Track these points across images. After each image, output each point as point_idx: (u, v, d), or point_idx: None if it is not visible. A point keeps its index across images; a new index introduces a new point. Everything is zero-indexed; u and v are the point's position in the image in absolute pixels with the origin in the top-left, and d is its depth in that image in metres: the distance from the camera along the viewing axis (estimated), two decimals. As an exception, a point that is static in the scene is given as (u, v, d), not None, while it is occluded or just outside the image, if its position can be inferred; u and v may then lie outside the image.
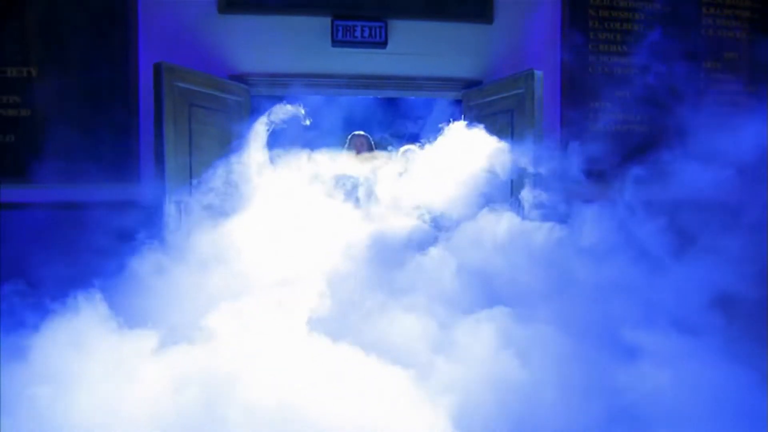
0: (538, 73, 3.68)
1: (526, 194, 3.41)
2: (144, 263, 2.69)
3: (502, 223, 3.06)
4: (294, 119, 3.60)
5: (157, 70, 3.37)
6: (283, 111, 3.73)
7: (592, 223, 3.00)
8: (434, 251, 3.00)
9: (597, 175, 4.40)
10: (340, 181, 4.02)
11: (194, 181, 3.57)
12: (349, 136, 4.44)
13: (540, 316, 2.55)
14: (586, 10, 4.41)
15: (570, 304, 2.58)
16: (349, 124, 5.35)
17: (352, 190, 3.99)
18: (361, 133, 4.46)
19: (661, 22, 4.47)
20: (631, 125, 4.50)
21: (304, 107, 3.59)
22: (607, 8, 4.43)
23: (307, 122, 3.71)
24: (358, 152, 4.27)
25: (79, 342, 2.25)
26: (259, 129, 3.68)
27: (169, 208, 3.24)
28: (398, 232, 3.18)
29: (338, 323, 2.51)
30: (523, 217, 3.30)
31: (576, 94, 4.41)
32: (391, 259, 2.99)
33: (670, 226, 3.06)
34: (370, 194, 3.92)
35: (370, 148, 4.38)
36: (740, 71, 4.63)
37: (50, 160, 3.90)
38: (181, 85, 3.53)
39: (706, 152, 4.33)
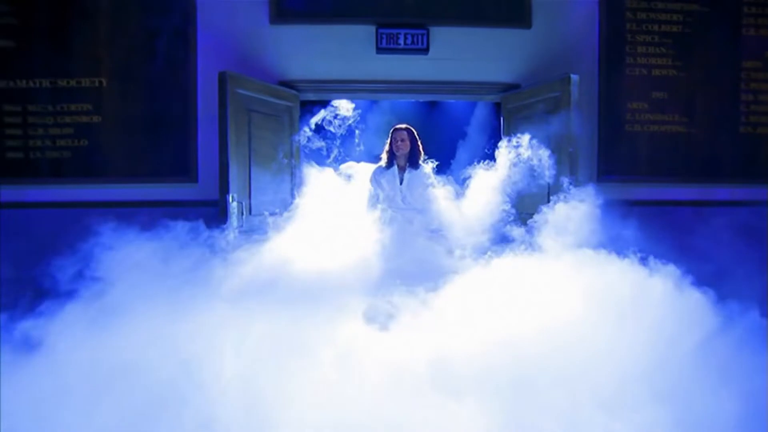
0: (574, 77, 3.79)
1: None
2: (214, 257, 2.97)
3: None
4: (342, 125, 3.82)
5: (222, 78, 3.63)
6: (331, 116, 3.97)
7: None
8: None
9: (634, 176, 4.51)
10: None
11: (253, 182, 3.85)
12: (391, 130, 4.11)
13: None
14: (623, 12, 4.45)
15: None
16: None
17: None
18: (404, 126, 4.08)
19: (700, 23, 4.49)
20: (669, 126, 4.52)
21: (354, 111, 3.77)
22: (644, 10, 4.46)
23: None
24: (399, 148, 3.98)
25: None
26: (309, 133, 3.94)
27: (232, 207, 3.52)
28: None
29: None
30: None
31: (614, 96, 4.45)
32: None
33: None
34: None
35: (414, 143, 4.02)
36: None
37: (118, 162, 4.23)
38: (241, 91, 3.77)
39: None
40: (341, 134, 4.17)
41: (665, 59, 4.50)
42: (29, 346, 2.51)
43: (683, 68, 4.51)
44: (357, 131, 4.12)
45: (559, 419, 2.12)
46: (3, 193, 4.12)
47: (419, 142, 4.07)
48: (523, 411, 2.15)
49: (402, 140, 3.99)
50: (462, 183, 3.83)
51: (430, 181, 4.00)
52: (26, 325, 2.59)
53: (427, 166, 4.07)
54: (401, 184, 3.99)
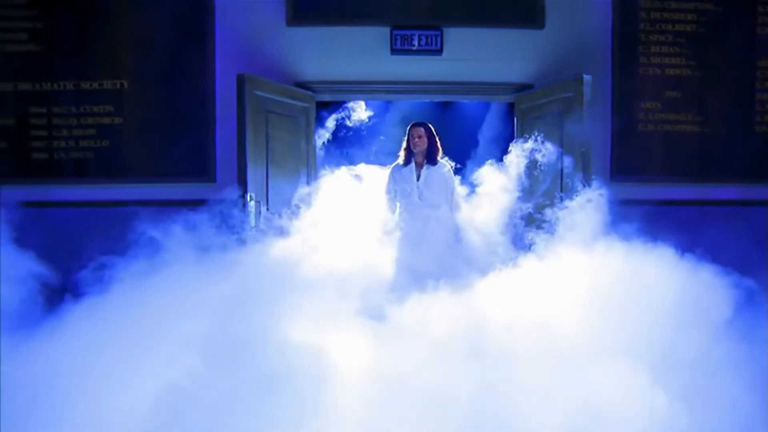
0: (587, 78, 3.82)
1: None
2: (231, 256, 3.05)
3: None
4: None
5: (240, 81, 3.72)
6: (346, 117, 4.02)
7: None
8: None
9: (647, 175, 4.52)
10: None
11: (270, 181, 3.93)
12: (408, 126, 4.06)
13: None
14: (637, 12, 4.45)
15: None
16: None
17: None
18: (421, 122, 4.04)
19: (714, 22, 4.48)
20: (683, 126, 4.52)
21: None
22: (658, 10, 4.46)
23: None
24: (416, 145, 3.93)
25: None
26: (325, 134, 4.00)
27: (250, 206, 3.61)
28: None
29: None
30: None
31: (627, 95, 4.46)
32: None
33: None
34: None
35: (431, 140, 3.96)
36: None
37: (138, 162, 4.33)
38: (259, 93, 3.86)
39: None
40: (356, 136, 4.22)
41: (679, 59, 4.49)
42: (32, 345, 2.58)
43: (697, 68, 4.50)
44: (377, 143, 4.16)
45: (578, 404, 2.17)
46: (28, 193, 4.23)
47: (437, 139, 4.02)
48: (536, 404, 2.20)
49: (419, 137, 3.93)
50: (476, 184, 3.87)
51: (448, 177, 3.99)
52: (41, 324, 2.68)
53: (446, 164, 4.04)
54: (418, 180, 3.95)
